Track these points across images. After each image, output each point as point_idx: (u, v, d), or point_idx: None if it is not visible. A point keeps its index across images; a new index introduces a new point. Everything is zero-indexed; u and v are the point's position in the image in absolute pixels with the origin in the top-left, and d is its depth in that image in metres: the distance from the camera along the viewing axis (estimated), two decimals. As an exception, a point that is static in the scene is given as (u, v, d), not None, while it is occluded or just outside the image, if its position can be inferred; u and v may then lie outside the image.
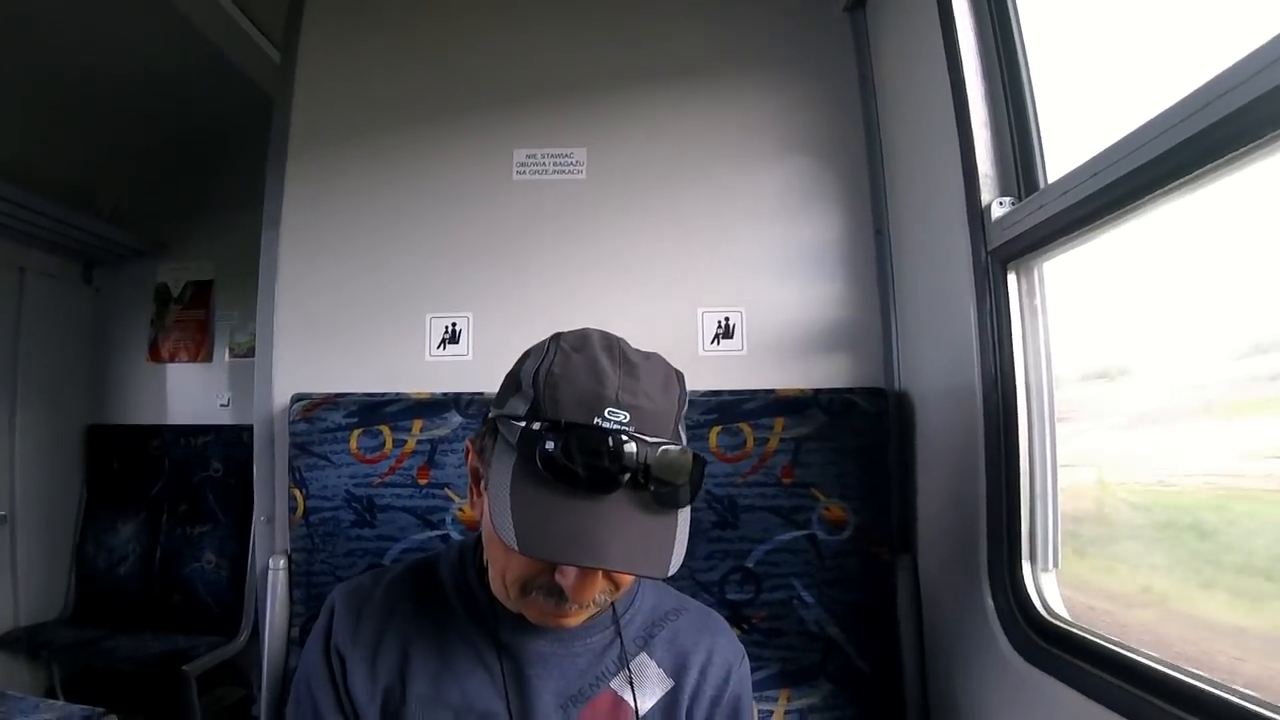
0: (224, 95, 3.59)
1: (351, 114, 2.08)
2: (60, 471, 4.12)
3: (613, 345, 1.10)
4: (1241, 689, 0.95)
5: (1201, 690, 0.99)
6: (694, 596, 1.64)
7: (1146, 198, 1.09)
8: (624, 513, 1.00)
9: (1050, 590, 1.41)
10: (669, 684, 1.23)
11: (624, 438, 0.99)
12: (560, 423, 1.01)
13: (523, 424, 1.04)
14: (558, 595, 1.06)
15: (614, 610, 1.24)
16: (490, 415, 1.14)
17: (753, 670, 1.66)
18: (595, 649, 1.22)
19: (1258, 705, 0.91)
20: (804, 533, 1.74)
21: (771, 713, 1.71)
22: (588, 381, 1.03)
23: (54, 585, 4.05)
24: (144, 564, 4.00)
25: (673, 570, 1.01)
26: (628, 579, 1.12)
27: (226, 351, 4.22)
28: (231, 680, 3.85)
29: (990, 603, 1.46)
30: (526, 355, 1.14)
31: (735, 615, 1.73)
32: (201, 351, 4.21)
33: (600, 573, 1.04)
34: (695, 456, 1.06)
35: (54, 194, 3.67)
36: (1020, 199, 1.48)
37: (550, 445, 0.99)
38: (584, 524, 0.98)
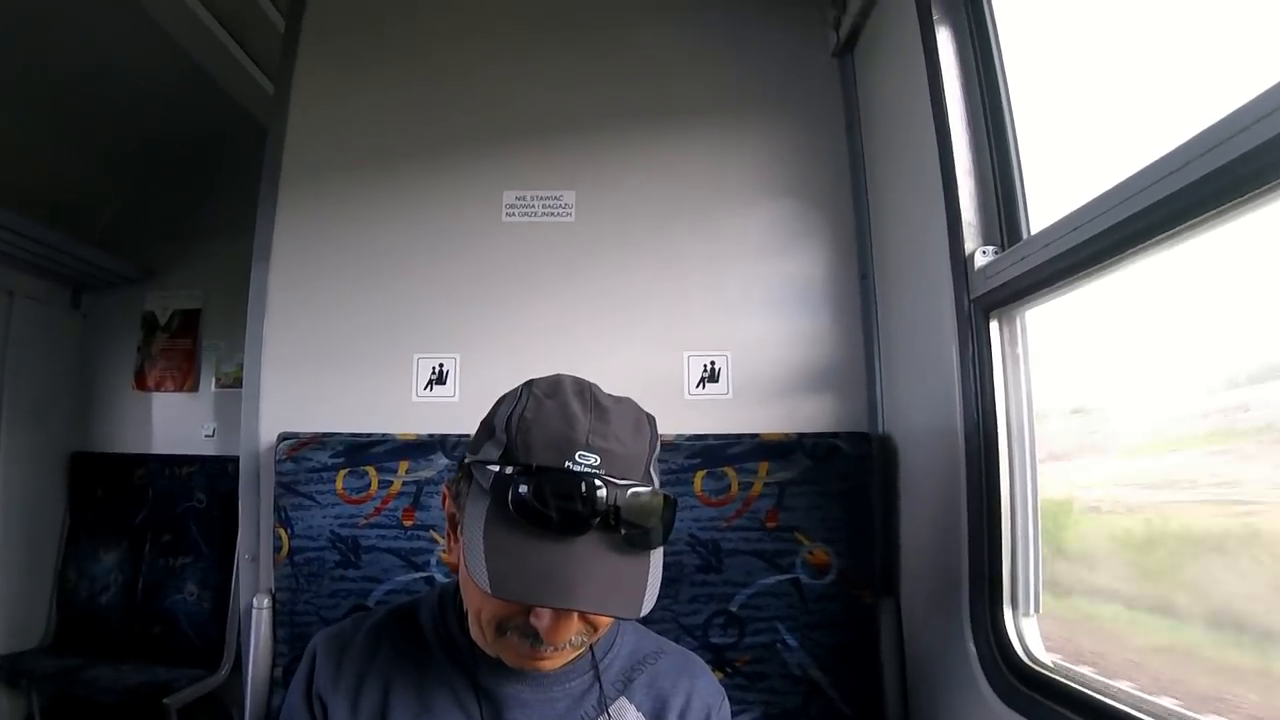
0: (216, 122, 3.61)
1: (343, 150, 2.09)
2: (43, 498, 4.07)
3: (584, 390, 1.12)
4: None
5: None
6: (678, 640, 1.64)
7: (1130, 250, 1.12)
8: (595, 554, 1.01)
9: (1031, 635, 1.41)
10: None
11: (595, 481, 1.00)
12: (532, 466, 1.02)
13: (496, 468, 1.05)
14: (533, 637, 1.06)
15: (593, 654, 1.24)
16: (465, 460, 1.15)
17: (736, 714, 1.67)
18: (574, 693, 1.22)
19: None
20: (787, 576, 1.74)
21: (754, 756, 1.71)
22: (559, 425, 1.05)
23: (34, 613, 4.00)
24: (126, 594, 3.96)
25: (645, 611, 1.02)
26: (605, 621, 1.12)
27: (213, 381, 4.20)
28: (213, 714, 3.81)
29: (972, 647, 1.47)
30: (500, 401, 1.16)
31: (718, 659, 1.73)
32: (188, 381, 4.19)
33: (575, 614, 1.05)
34: (666, 498, 1.07)
35: (43, 216, 3.66)
36: (1003, 247, 1.50)
37: (523, 489, 1.00)
38: (555, 565, 0.99)
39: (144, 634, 3.88)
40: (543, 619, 1.04)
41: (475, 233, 2.03)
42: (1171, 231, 1.02)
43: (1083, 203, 1.18)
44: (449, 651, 1.23)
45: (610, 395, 1.15)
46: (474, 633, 1.14)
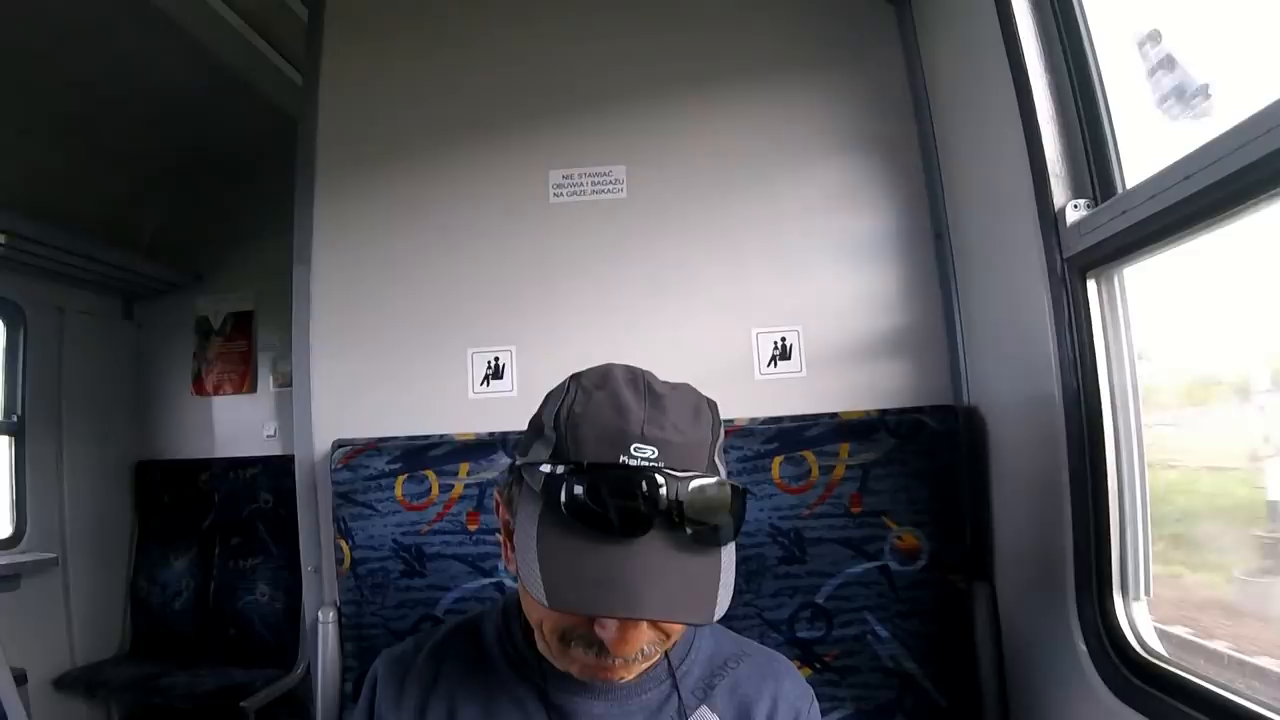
0: (251, 122, 3.60)
1: (378, 140, 2.02)
2: (111, 509, 4.13)
3: (637, 378, 1.04)
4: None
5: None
6: (762, 636, 1.58)
7: (1250, 202, 0.98)
8: (660, 555, 0.93)
9: (1143, 622, 1.31)
10: None
11: (654, 475, 0.92)
12: (584, 464, 0.95)
13: (546, 469, 0.98)
14: (598, 648, 0.98)
15: (669, 661, 1.16)
16: (515, 463, 1.08)
17: (827, 711, 1.60)
18: (651, 705, 1.14)
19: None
20: (876, 564, 1.65)
21: (848, 755, 1.62)
22: (611, 417, 0.97)
23: (109, 623, 4.07)
24: (198, 598, 4.01)
25: (718, 615, 0.94)
26: (677, 627, 1.03)
27: (270, 381, 4.21)
28: (290, 713, 3.83)
29: (1079, 636, 1.36)
30: (548, 397, 1.08)
31: (806, 654, 1.65)
32: (245, 383, 4.21)
33: (643, 623, 0.97)
34: (735, 488, 0.98)
35: (89, 230, 3.67)
36: (1096, 202, 1.37)
37: (576, 489, 0.93)
38: (617, 571, 0.91)
39: (219, 637, 3.94)
40: (608, 629, 0.96)
41: (522, 217, 1.95)
42: None
43: (1194, 148, 1.05)
44: (515, 666, 1.17)
45: (665, 382, 1.06)
46: (540, 645, 1.07)
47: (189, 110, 3.56)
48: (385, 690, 1.19)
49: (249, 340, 4.22)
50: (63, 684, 3.75)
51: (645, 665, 1.05)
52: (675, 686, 1.15)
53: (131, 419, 4.26)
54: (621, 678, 1.03)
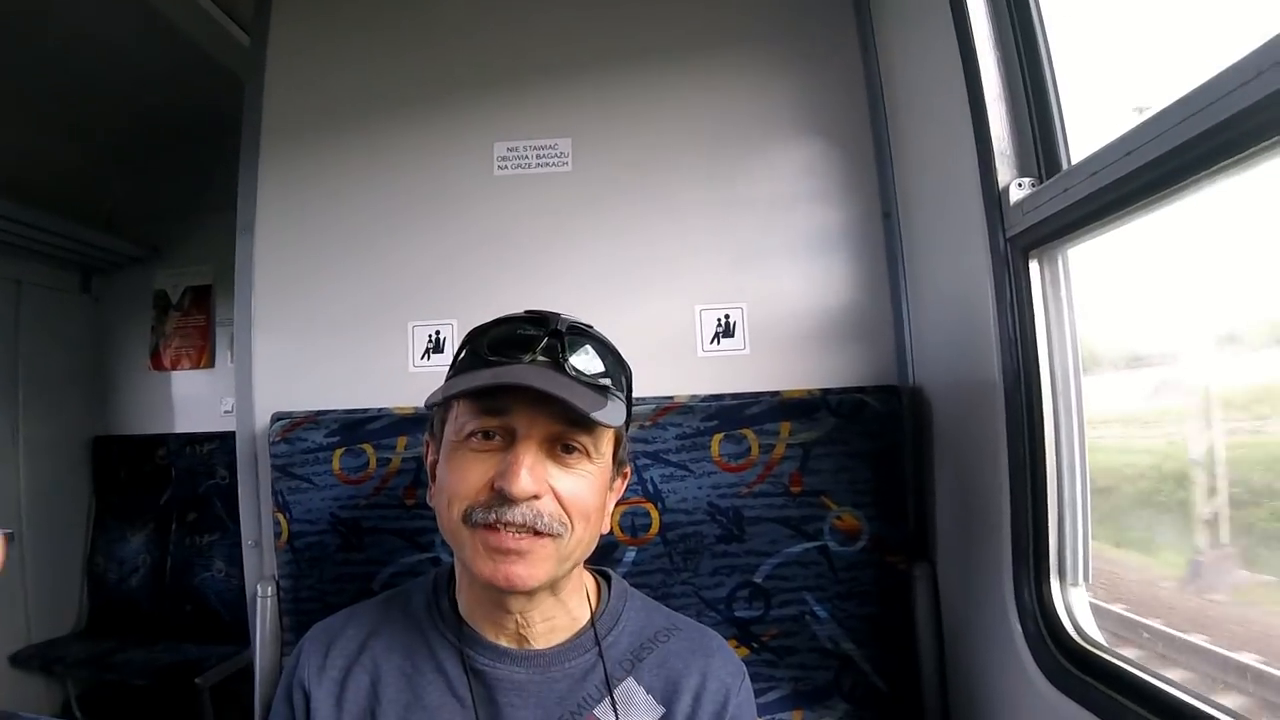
0: (211, 94, 3.51)
1: (324, 110, 1.99)
2: (68, 484, 4.08)
3: None
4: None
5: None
6: (699, 615, 1.57)
7: (1192, 178, 0.96)
8: (545, 371, 1.06)
9: (1081, 608, 1.30)
10: (659, 711, 1.14)
11: (534, 318, 1.14)
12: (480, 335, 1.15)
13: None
14: (499, 506, 1.03)
15: (595, 631, 1.17)
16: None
17: (764, 691, 1.59)
18: (575, 674, 1.15)
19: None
20: (815, 544, 1.64)
21: (784, 736, 1.61)
22: (507, 327, 1.15)
23: (66, 599, 4.03)
24: (155, 574, 3.98)
25: (609, 419, 1.05)
26: (577, 507, 1.08)
27: (228, 356, 4.15)
28: (248, 690, 3.81)
29: (1016, 621, 1.35)
30: None
31: (744, 633, 1.63)
32: (203, 357, 4.16)
33: (540, 461, 1.05)
34: (616, 355, 1.18)
35: (46, 203, 3.61)
36: (1041, 180, 1.35)
37: (473, 342, 1.15)
38: (506, 373, 1.05)
39: (175, 613, 3.91)
40: (506, 474, 1.02)
41: (467, 188, 1.92)
42: (1254, 149, 0.86)
43: (1134, 125, 1.02)
44: (441, 633, 1.19)
45: None
46: (448, 532, 1.11)
47: (148, 81, 3.50)
48: (309, 660, 1.20)
49: (207, 314, 4.17)
50: (18, 660, 3.71)
51: (546, 559, 1.06)
52: (600, 656, 1.15)
53: (89, 393, 4.20)
54: (523, 580, 1.04)
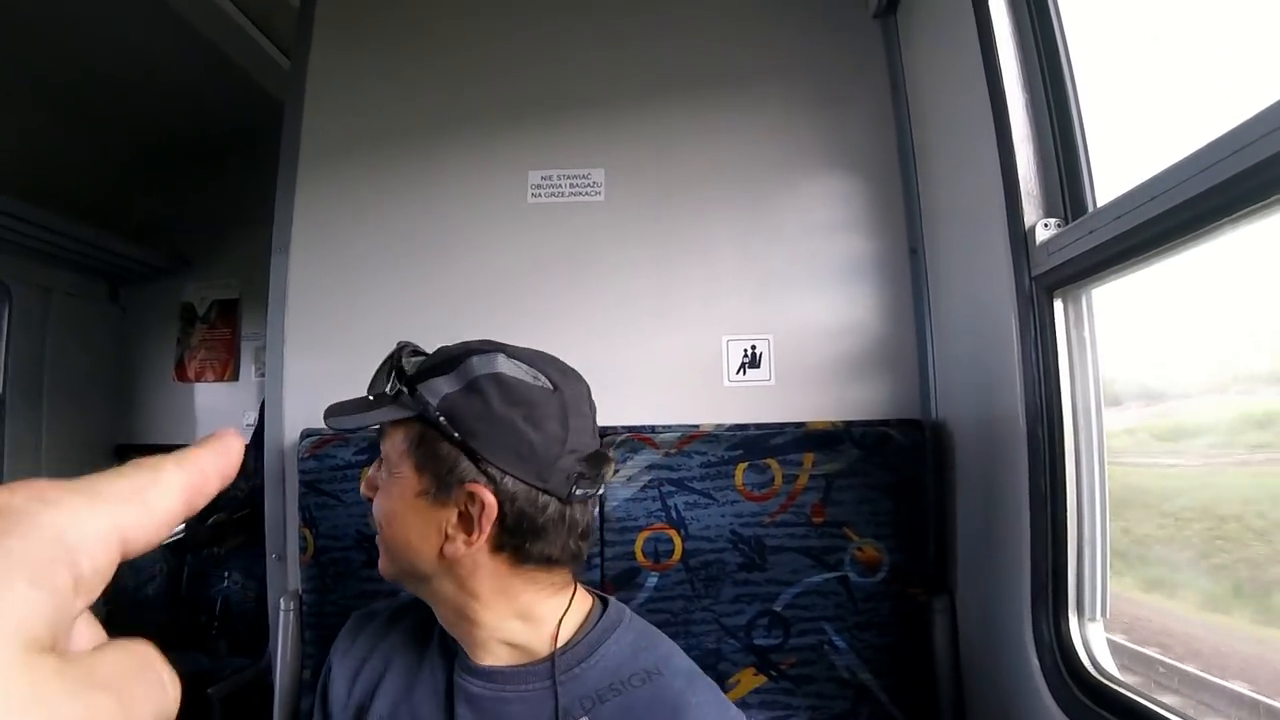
0: (243, 110, 3.57)
1: (362, 132, 2.02)
2: (89, 491, 4.07)
3: None
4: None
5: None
6: (719, 642, 1.58)
7: (1217, 223, 0.98)
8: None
9: (1098, 643, 1.31)
10: None
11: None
12: None
13: None
14: None
15: (552, 662, 1.12)
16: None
17: (780, 719, 1.58)
18: (530, 699, 1.12)
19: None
20: (835, 574, 1.65)
21: (800, 766, 1.62)
22: None
23: (80, 608, 4.02)
24: (171, 583, 3.96)
25: (335, 425, 1.19)
26: (378, 493, 1.17)
27: (253, 370, 4.18)
28: (264, 700, 3.81)
29: (1034, 654, 1.35)
30: None
31: (762, 661, 1.65)
32: (228, 370, 4.17)
33: (372, 470, 1.20)
34: (405, 365, 1.20)
35: (78, 212, 3.65)
36: (1067, 221, 1.37)
37: None
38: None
39: (190, 623, 3.88)
40: None
41: (500, 215, 1.95)
42: (1273, 199, 0.88)
43: (1161, 169, 1.04)
44: (443, 644, 1.22)
45: None
46: None
47: (182, 94, 3.53)
48: (341, 641, 1.32)
49: (233, 328, 4.18)
50: (31, 669, 3.71)
51: (383, 557, 1.17)
52: (554, 688, 1.10)
53: (113, 402, 4.21)
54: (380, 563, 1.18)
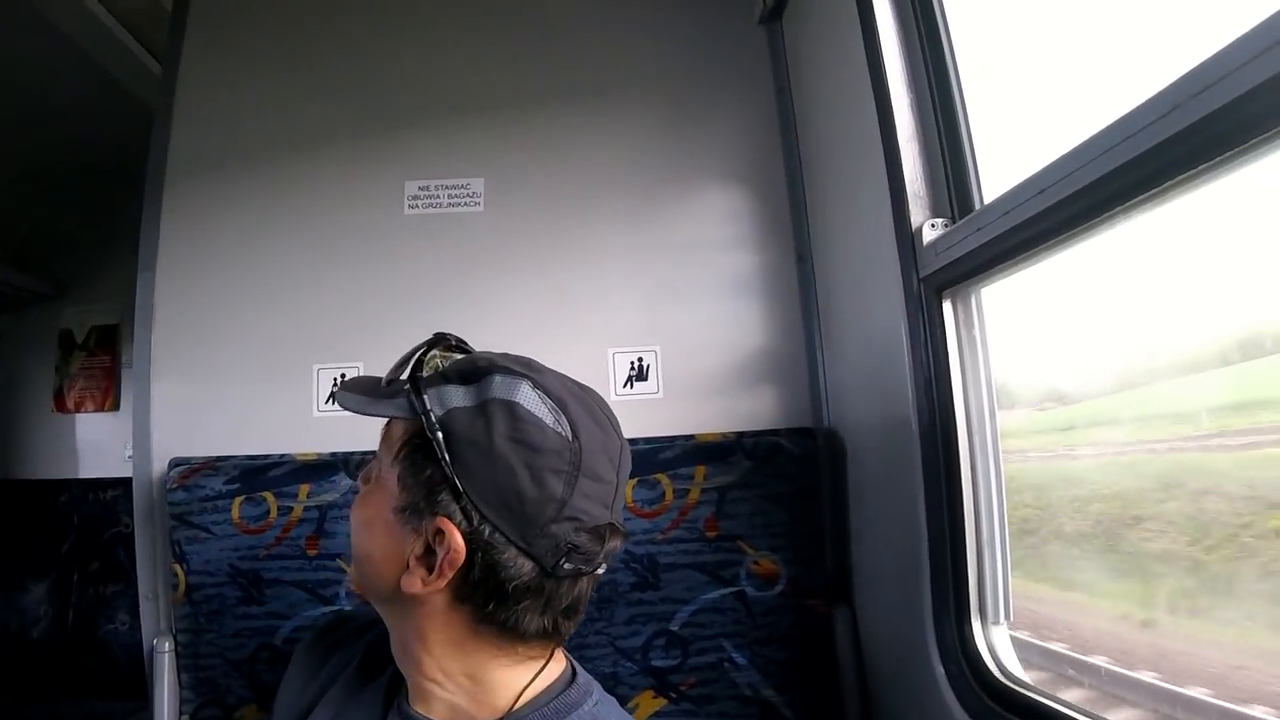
0: (122, 128, 3.42)
1: (234, 144, 1.93)
2: (-35, 531, 3.87)
3: None
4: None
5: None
6: (615, 665, 1.55)
7: (1104, 215, 0.97)
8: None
9: (1003, 647, 1.29)
10: None
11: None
12: None
13: None
14: None
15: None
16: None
17: (683, 744, 1.54)
18: None
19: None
20: (732, 589, 1.61)
21: (705, 790, 1.57)
22: None
23: (-36, 653, 3.82)
24: (57, 625, 3.79)
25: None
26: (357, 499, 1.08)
27: (134, 399, 4.02)
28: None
29: (938, 661, 1.34)
30: None
31: (661, 683, 1.60)
32: (109, 400, 3.99)
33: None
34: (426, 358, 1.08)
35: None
36: (954, 221, 1.36)
37: None
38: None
39: (78, 667, 3.72)
40: None
41: (377, 228, 1.88)
42: (1161, 186, 0.87)
43: (1046, 163, 1.03)
44: (396, 672, 1.09)
45: None
46: None
47: (56, 111, 3.37)
48: (311, 636, 1.29)
49: (113, 355, 4.02)
50: (-92, 718, 3.52)
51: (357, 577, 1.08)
52: None
53: (-12, 436, 4.03)
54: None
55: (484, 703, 1.00)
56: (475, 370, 0.99)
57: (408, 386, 0.99)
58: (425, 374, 1.01)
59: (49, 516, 3.90)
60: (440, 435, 0.94)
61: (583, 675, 1.09)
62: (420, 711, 1.01)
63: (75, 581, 3.83)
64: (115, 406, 4.00)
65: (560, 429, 0.95)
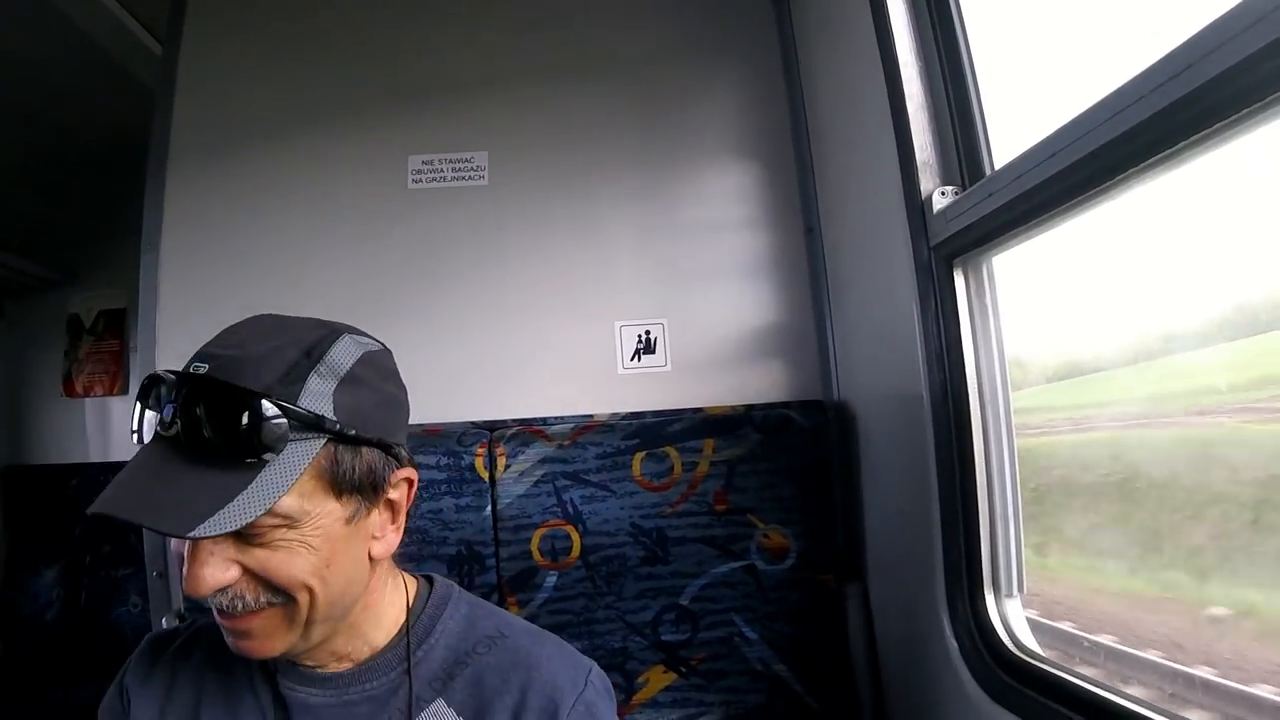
0: (126, 113, 3.41)
1: (236, 122, 1.93)
2: (-23, 518, 3.89)
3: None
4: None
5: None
6: (625, 640, 1.53)
7: (1115, 179, 0.95)
8: (165, 462, 0.85)
9: (1016, 620, 1.28)
10: None
11: (168, 375, 0.87)
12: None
13: None
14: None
15: (407, 644, 1.03)
16: None
17: (694, 717, 1.53)
18: (378, 696, 1.01)
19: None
20: (742, 563, 1.61)
21: (717, 763, 1.57)
22: (157, 382, 0.91)
23: (-25, 637, 3.84)
24: (69, 609, 3.82)
25: (204, 530, 0.80)
26: (285, 576, 0.87)
27: (139, 377, 4.04)
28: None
29: (950, 635, 1.32)
30: None
31: (671, 658, 1.60)
32: (117, 384, 4.01)
33: (216, 557, 0.84)
34: (243, 391, 0.84)
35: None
36: (964, 188, 1.34)
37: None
38: (128, 475, 0.85)
39: (92, 650, 3.74)
40: (186, 574, 0.84)
41: (380, 203, 1.88)
42: (1172, 149, 0.85)
43: (1057, 127, 1.01)
44: (263, 662, 1.06)
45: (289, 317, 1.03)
46: None
47: (60, 97, 3.37)
48: (138, 664, 1.10)
49: (121, 339, 4.04)
50: (-70, 707, 3.54)
51: (276, 633, 0.92)
52: (408, 673, 1.02)
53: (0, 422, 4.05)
54: (255, 648, 0.92)
55: (385, 627, 1.04)
56: (304, 353, 0.92)
57: (289, 426, 0.87)
58: (272, 404, 0.86)
59: (60, 501, 3.92)
60: (351, 428, 0.90)
61: (438, 578, 1.13)
62: (331, 670, 1.02)
63: (87, 565, 3.84)
64: (124, 390, 4.01)
65: (379, 346, 1.01)
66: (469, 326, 1.80)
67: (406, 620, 1.04)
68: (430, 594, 1.08)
